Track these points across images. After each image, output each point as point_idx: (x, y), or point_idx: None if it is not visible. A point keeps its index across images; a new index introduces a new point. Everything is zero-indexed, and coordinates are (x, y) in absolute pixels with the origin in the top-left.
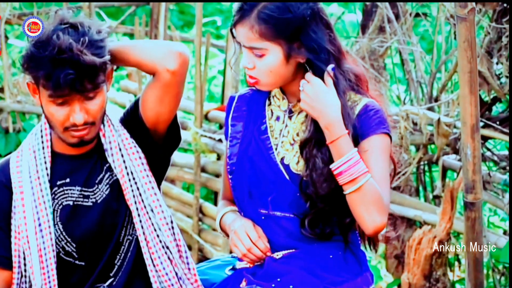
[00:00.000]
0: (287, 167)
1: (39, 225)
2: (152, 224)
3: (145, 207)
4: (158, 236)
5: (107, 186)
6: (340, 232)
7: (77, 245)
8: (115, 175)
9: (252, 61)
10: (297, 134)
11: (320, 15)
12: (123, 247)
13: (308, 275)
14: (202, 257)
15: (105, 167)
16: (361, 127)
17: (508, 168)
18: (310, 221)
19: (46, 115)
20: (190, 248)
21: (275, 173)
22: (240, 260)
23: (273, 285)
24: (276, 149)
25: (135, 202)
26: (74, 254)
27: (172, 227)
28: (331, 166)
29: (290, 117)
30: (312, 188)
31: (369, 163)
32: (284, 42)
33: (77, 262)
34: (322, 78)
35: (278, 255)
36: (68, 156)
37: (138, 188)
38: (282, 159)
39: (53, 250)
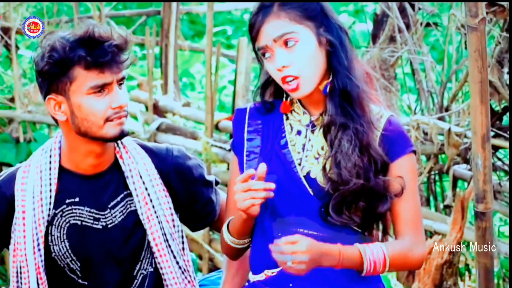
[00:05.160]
0: (313, 181)
1: (38, 244)
2: (172, 252)
3: (164, 234)
4: (177, 263)
5: (121, 214)
6: (361, 221)
7: (81, 264)
8: (134, 206)
9: (286, 58)
10: (322, 148)
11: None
12: (136, 280)
13: (321, 281)
14: (213, 267)
15: (122, 195)
16: (388, 146)
17: None
18: (334, 206)
19: (82, 117)
20: (200, 257)
21: (298, 188)
22: (253, 273)
23: None
24: (300, 163)
25: (156, 231)
26: (78, 272)
27: (186, 254)
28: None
29: (312, 131)
30: (336, 169)
31: (403, 195)
32: (312, 24)
33: (80, 281)
34: (334, 78)
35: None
36: (78, 175)
37: (158, 216)
38: (308, 173)
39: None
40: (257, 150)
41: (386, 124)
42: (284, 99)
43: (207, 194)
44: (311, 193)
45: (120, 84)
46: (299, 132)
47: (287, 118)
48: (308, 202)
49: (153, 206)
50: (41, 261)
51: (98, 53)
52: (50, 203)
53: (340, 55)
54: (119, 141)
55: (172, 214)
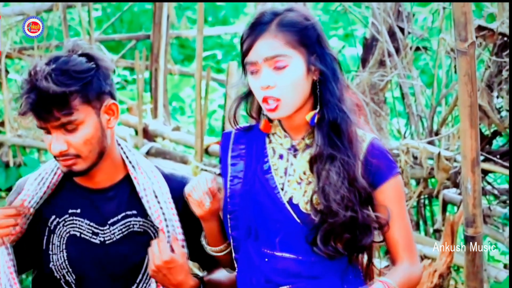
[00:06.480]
0: (296, 207)
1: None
2: None
3: None
4: None
5: (120, 232)
6: (347, 250)
7: (76, 277)
8: (137, 227)
9: (272, 79)
10: (304, 173)
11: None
12: None
13: None
14: None
15: (123, 213)
16: (373, 170)
17: (508, 202)
18: (322, 238)
19: None
20: None
21: (282, 214)
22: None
23: None
24: (282, 188)
25: None
26: (73, 285)
27: None
28: None
29: (295, 155)
30: (324, 202)
31: (393, 218)
32: (305, 51)
33: None
34: (324, 109)
35: None
36: (83, 187)
37: (169, 236)
38: (290, 198)
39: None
40: (241, 175)
41: (369, 147)
42: (265, 118)
43: None
44: (296, 219)
45: (69, 129)
46: (281, 156)
47: (270, 142)
48: (293, 227)
49: (167, 226)
50: (11, 260)
51: (28, 99)
52: (37, 203)
53: (332, 86)
54: (133, 161)
55: (183, 240)
